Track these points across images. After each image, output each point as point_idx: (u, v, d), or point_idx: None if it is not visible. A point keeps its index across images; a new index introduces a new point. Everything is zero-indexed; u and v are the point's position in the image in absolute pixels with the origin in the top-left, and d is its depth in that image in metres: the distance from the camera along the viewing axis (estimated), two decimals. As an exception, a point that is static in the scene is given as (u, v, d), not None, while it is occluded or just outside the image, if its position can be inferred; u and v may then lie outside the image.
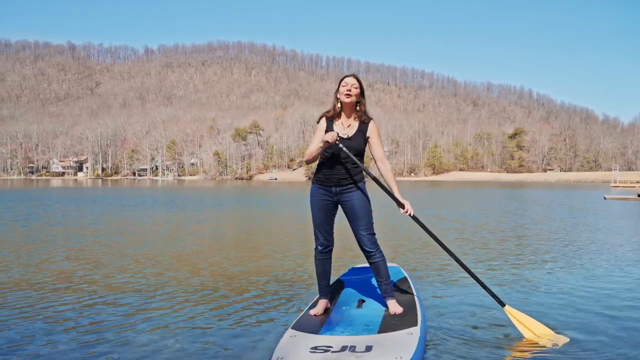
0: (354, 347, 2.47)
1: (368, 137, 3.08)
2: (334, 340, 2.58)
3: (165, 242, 7.30)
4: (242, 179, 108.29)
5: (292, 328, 2.78)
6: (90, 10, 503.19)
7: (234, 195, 26.16)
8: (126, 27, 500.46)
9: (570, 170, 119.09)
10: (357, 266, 4.25)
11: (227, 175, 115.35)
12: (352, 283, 3.63)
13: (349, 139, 3.03)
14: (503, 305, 3.06)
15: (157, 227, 9.68)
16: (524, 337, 2.93)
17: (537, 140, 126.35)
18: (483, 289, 3.13)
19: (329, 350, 2.44)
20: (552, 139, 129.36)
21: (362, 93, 3.09)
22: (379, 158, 3.10)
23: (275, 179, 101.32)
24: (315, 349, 2.46)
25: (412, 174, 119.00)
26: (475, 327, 3.16)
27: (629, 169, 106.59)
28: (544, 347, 2.81)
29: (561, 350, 2.74)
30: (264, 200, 20.29)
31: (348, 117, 3.11)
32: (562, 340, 2.91)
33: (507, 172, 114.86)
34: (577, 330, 3.09)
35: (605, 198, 21.38)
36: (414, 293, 3.35)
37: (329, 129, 3.09)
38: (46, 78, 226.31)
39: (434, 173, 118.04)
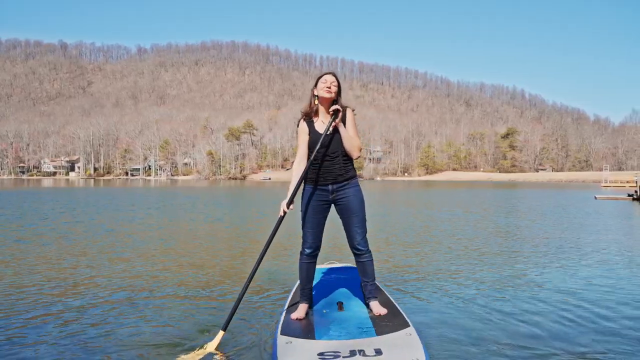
0: (363, 350, 2.39)
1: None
2: (336, 345, 2.50)
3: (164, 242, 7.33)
4: (236, 178, 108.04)
5: (283, 334, 2.66)
6: (82, 8, 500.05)
7: (239, 195, 26.11)
8: (119, 26, 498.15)
9: (561, 170, 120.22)
10: (322, 267, 4.21)
11: (220, 175, 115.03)
12: (323, 285, 3.58)
13: (332, 133, 3.00)
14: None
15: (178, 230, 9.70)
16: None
17: (529, 140, 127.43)
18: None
19: (339, 356, 2.34)
20: (544, 139, 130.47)
21: (339, 91, 3.05)
22: None
23: (269, 178, 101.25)
24: (322, 355, 2.36)
25: (406, 174, 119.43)
26: (458, 324, 3.20)
27: (619, 169, 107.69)
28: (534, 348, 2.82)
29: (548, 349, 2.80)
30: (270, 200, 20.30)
31: (326, 115, 3.08)
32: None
33: (500, 172, 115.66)
34: (566, 327, 3.16)
35: (596, 198, 21.63)
36: (385, 292, 3.31)
37: (311, 128, 3.08)
38: (37, 77, 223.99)
39: (427, 173, 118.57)
